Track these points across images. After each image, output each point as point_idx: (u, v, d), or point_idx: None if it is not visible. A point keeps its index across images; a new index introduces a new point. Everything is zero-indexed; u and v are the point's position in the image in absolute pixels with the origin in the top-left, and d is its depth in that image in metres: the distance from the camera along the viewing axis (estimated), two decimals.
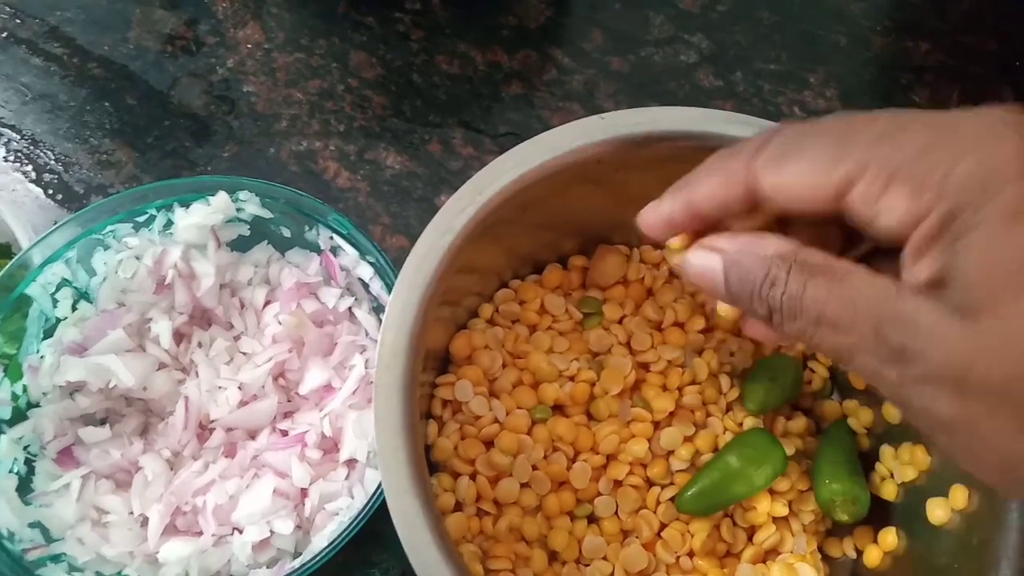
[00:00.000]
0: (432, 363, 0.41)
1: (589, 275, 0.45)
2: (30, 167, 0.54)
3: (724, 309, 0.30)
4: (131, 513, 0.40)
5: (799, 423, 0.42)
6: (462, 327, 0.43)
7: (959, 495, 0.34)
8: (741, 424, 0.41)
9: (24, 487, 0.39)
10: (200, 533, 0.39)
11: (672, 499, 0.39)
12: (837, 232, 0.28)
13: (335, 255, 0.43)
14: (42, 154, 0.54)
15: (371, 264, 0.42)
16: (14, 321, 0.41)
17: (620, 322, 0.44)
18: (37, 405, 0.40)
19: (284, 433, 0.41)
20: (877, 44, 0.62)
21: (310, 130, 0.56)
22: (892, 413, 0.40)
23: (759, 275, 0.25)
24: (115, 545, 0.38)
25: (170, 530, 0.39)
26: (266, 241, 0.45)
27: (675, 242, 0.30)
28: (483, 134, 0.56)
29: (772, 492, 0.40)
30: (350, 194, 0.54)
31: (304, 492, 0.40)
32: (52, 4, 0.59)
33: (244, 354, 0.43)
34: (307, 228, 0.43)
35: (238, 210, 0.43)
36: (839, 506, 0.38)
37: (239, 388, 0.41)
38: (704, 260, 0.28)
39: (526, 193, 0.38)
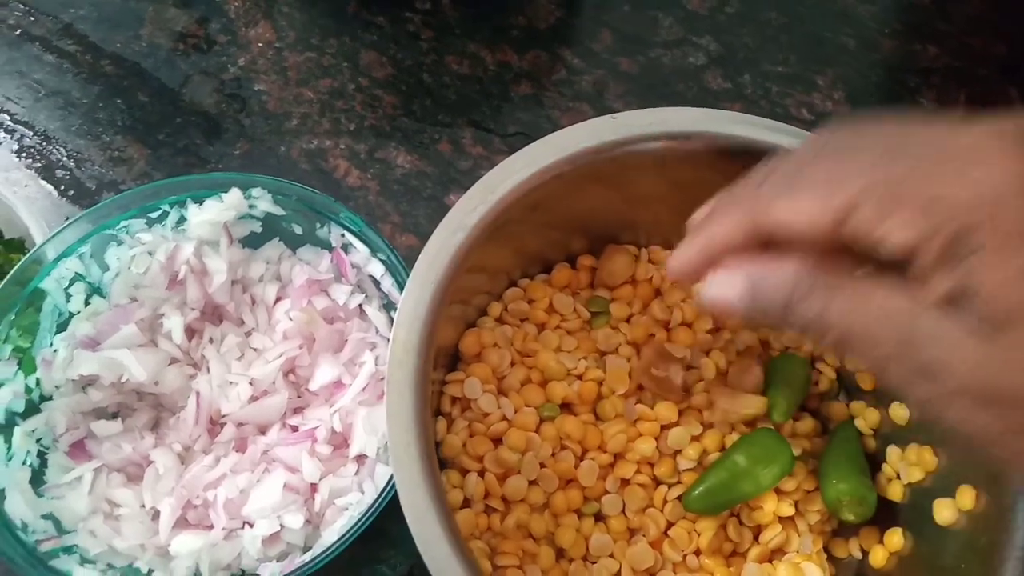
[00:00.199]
0: (442, 361, 0.41)
1: (597, 275, 0.45)
2: (42, 163, 0.54)
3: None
4: (142, 506, 0.40)
5: (806, 424, 0.42)
6: (471, 325, 0.43)
7: (966, 496, 0.34)
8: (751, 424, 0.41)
9: (37, 479, 0.39)
10: (211, 527, 0.39)
11: (679, 498, 0.40)
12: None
13: (346, 252, 0.44)
14: (54, 150, 0.55)
15: (382, 261, 0.42)
16: (28, 315, 0.41)
17: (628, 321, 0.44)
18: (50, 398, 0.41)
19: (294, 429, 0.41)
20: (885, 46, 0.62)
21: (321, 129, 0.56)
22: (899, 414, 0.40)
23: (785, 293, 0.26)
24: (127, 538, 0.39)
25: (181, 523, 0.40)
26: (278, 238, 0.45)
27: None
28: (493, 134, 0.57)
29: (779, 492, 0.40)
30: (360, 193, 0.54)
31: (314, 487, 0.40)
32: (65, 2, 0.60)
33: (255, 350, 0.44)
34: (319, 225, 0.44)
35: (250, 207, 0.43)
36: (846, 506, 0.38)
37: (250, 384, 0.42)
38: (725, 284, 0.28)
39: (536, 193, 0.38)
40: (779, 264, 0.26)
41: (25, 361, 0.41)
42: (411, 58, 0.59)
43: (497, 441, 0.40)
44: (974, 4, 0.64)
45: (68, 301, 0.42)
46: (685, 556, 0.39)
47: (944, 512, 0.35)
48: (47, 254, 0.41)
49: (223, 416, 0.42)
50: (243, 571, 0.39)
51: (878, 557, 0.38)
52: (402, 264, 0.41)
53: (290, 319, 0.43)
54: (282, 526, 0.39)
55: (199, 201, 0.43)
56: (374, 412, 0.40)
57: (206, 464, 0.40)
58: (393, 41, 0.60)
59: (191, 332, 0.43)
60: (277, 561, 0.38)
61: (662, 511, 0.40)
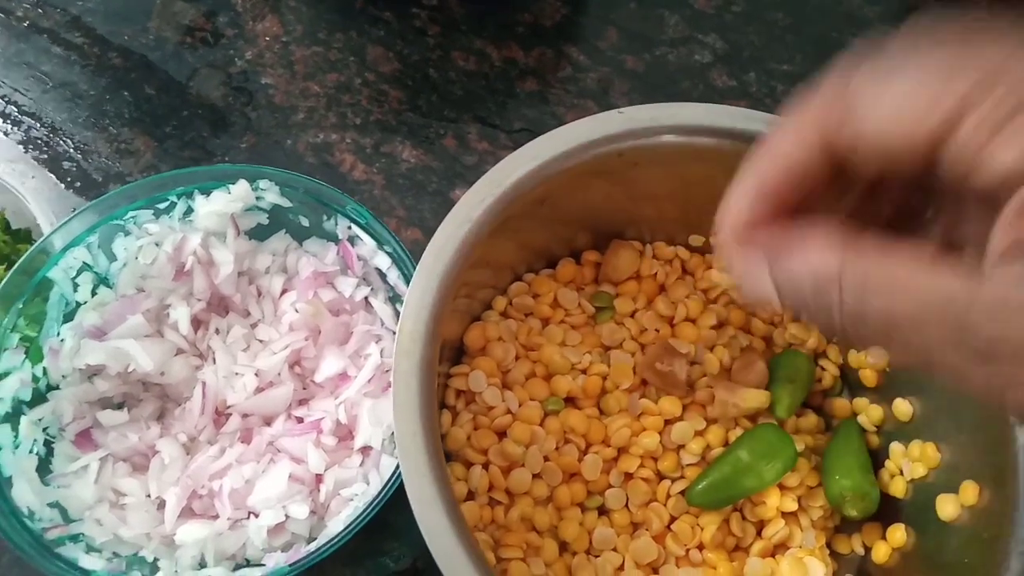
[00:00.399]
0: (447, 354, 0.41)
1: (602, 270, 0.46)
2: (49, 155, 0.54)
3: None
4: (148, 496, 0.40)
5: (809, 420, 0.43)
6: (476, 319, 0.43)
7: (969, 491, 0.35)
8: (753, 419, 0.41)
9: (43, 468, 0.40)
10: (216, 516, 0.39)
11: (682, 492, 0.40)
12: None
13: (352, 245, 0.44)
14: (62, 142, 0.55)
15: (388, 254, 0.42)
16: (35, 304, 0.41)
17: (632, 316, 0.44)
18: (57, 388, 0.41)
19: (300, 420, 0.42)
20: None
21: (327, 123, 0.56)
22: (902, 411, 0.40)
23: (809, 293, 0.22)
24: (132, 527, 0.39)
25: (186, 513, 0.40)
26: (284, 230, 0.46)
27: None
28: (498, 129, 0.57)
29: (782, 487, 0.40)
30: (366, 187, 0.54)
31: (319, 478, 0.40)
32: None
33: (261, 341, 0.44)
34: (325, 218, 0.44)
35: (258, 199, 0.43)
36: (849, 501, 0.39)
37: (256, 375, 0.42)
38: (760, 280, 0.23)
39: (543, 187, 0.38)
40: (804, 247, 0.22)
41: (32, 350, 0.41)
42: (417, 53, 0.59)
43: (501, 434, 0.40)
44: (980, 7, 0.64)
45: (75, 291, 0.42)
46: (688, 550, 0.39)
47: (947, 507, 0.35)
48: (54, 244, 0.41)
49: (229, 407, 0.42)
50: (248, 561, 0.39)
51: (881, 553, 0.38)
52: (408, 257, 0.41)
53: (296, 311, 0.43)
54: (287, 516, 0.39)
55: (206, 192, 0.43)
56: (379, 404, 0.41)
57: (211, 454, 0.40)
58: (400, 36, 0.60)
59: (197, 323, 0.44)
60: (282, 551, 0.38)
61: (665, 505, 0.40)
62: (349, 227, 0.43)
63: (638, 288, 0.45)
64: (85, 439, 0.41)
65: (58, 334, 0.41)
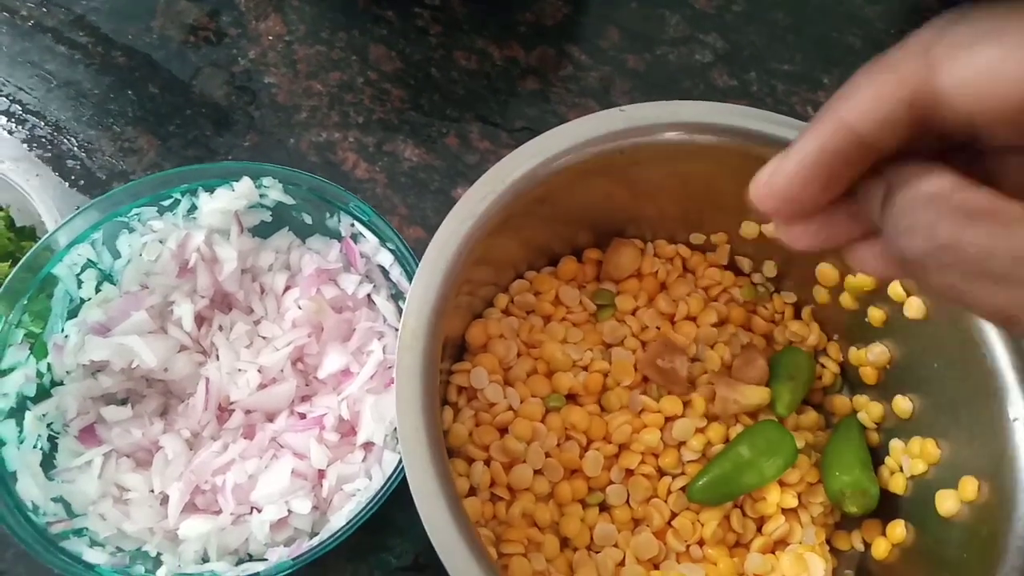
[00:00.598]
0: (449, 351, 0.42)
1: (603, 268, 0.46)
2: (53, 153, 0.55)
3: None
4: (151, 491, 0.40)
5: (810, 417, 0.43)
6: (478, 316, 0.44)
7: (969, 487, 0.35)
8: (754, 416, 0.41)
9: (47, 463, 0.40)
10: (219, 511, 0.40)
11: (683, 489, 0.40)
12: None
13: (355, 242, 0.44)
14: (66, 140, 0.55)
15: (391, 251, 0.43)
16: (40, 301, 0.41)
17: (633, 314, 0.44)
18: (61, 383, 0.41)
19: (302, 416, 0.42)
20: (891, 47, 0.62)
21: (329, 121, 0.56)
22: (902, 407, 0.40)
23: (906, 216, 0.20)
24: (136, 521, 0.39)
25: (190, 508, 0.40)
26: (287, 227, 0.46)
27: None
28: (500, 128, 0.57)
29: (782, 484, 0.40)
30: (368, 185, 0.54)
31: (322, 473, 0.40)
32: None
33: (264, 338, 0.44)
34: (328, 215, 0.44)
35: (261, 196, 0.44)
36: (849, 498, 0.39)
37: (259, 371, 0.42)
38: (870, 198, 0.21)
39: (544, 184, 0.39)
40: (920, 173, 0.20)
41: (37, 346, 0.41)
42: (420, 53, 0.60)
43: (503, 431, 0.40)
44: (980, 7, 0.64)
45: (80, 287, 0.42)
46: (689, 546, 0.40)
47: (946, 503, 0.36)
48: (59, 241, 0.42)
49: (232, 403, 0.42)
50: (250, 555, 0.40)
51: (880, 549, 0.39)
52: (411, 254, 0.42)
53: (299, 308, 0.44)
54: (290, 511, 0.39)
55: (210, 190, 0.43)
56: (382, 400, 0.41)
57: (214, 450, 0.41)
58: (402, 36, 0.60)
59: (201, 320, 0.44)
60: (284, 546, 0.39)
61: (666, 501, 0.40)
62: (352, 224, 0.44)
63: (639, 286, 0.45)
64: (89, 435, 0.41)
65: (62, 330, 0.42)
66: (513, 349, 0.42)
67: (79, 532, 0.38)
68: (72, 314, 0.42)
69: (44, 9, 0.60)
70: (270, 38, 0.60)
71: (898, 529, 0.38)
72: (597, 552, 0.39)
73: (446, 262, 0.35)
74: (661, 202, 0.44)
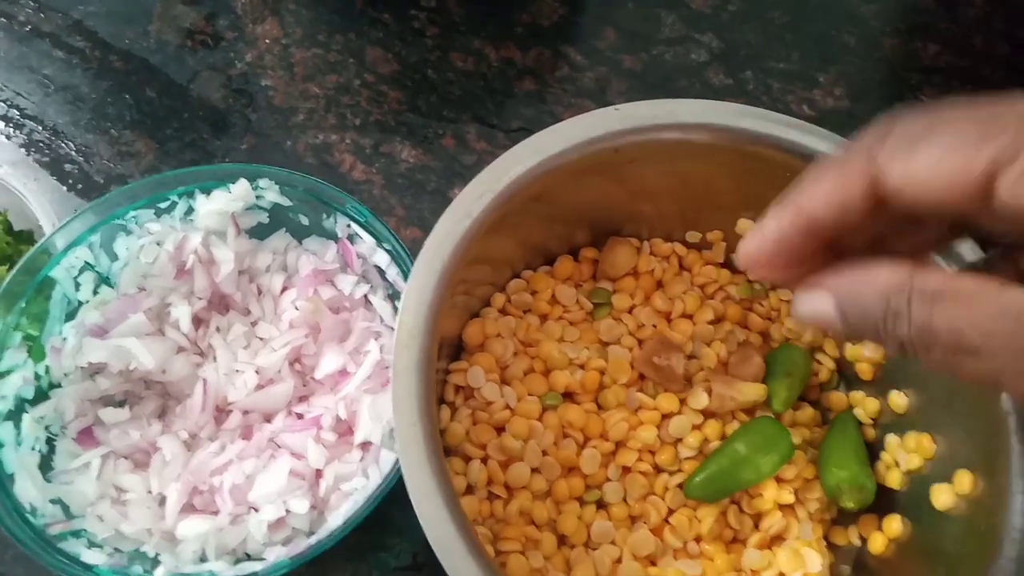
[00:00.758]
0: (446, 350, 0.42)
1: (600, 267, 0.46)
2: (51, 157, 0.55)
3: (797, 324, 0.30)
4: (149, 492, 0.40)
5: (806, 413, 0.43)
6: (475, 316, 0.44)
7: (964, 481, 0.35)
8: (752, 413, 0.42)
9: (45, 465, 0.40)
10: (217, 512, 0.40)
11: (680, 485, 0.40)
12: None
13: (352, 243, 0.44)
14: (63, 144, 0.56)
15: (387, 251, 0.43)
16: (37, 303, 0.42)
17: (630, 312, 0.45)
18: (59, 385, 0.41)
19: (300, 416, 0.42)
20: (887, 45, 0.62)
21: (326, 124, 0.57)
22: (897, 403, 0.40)
23: (878, 311, 0.23)
24: (134, 522, 0.39)
25: (187, 508, 0.40)
26: (284, 229, 0.46)
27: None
28: (496, 129, 0.57)
29: (779, 480, 0.40)
30: (365, 186, 0.55)
31: (319, 473, 0.40)
32: None
33: (261, 339, 0.44)
34: (325, 216, 0.44)
35: (258, 198, 0.44)
36: (845, 493, 0.39)
37: (256, 372, 0.42)
38: (814, 303, 0.25)
39: (541, 182, 0.39)
40: (869, 272, 0.23)
41: (35, 348, 0.41)
42: (416, 55, 0.60)
43: (500, 429, 0.40)
44: (977, 4, 0.64)
45: (77, 290, 0.43)
46: (686, 543, 0.39)
47: (942, 497, 0.36)
48: (56, 244, 0.42)
49: (229, 404, 0.42)
50: (248, 555, 0.40)
51: (877, 544, 0.39)
52: (407, 254, 0.42)
53: (296, 309, 0.44)
54: (287, 511, 0.39)
55: (207, 192, 0.44)
56: (379, 400, 0.41)
57: (212, 451, 0.41)
58: (399, 38, 0.60)
59: (198, 321, 0.44)
60: (282, 545, 0.39)
61: (663, 498, 0.40)
62: (348, 225, 0.44)
63: (635, 284, 0.45)
64: (87, 436, 0.41)
65: (60, 333, 0.42)
66: (510, 348, 0.42)
67: (77, 533, 0.38)
68: (70, 316, 0.42)
69: (41, 14, 0.60)
70: (267, 41, 0.60)
71: (894, 524, 0.38)
72: (594, 549, 0.39)
73: (442, 261, 0.36)
74: (657, 200, 0.44)
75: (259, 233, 0.46)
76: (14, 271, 0.41)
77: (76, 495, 0.40)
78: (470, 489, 0.39)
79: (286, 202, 0.44)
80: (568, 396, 0.42)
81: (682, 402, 0.41)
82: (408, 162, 0.56)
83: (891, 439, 0.40)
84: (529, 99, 0.58)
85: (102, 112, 0.57)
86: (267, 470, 0.40)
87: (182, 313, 0.43)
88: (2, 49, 0.58)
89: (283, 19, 0.61)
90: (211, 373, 0.42)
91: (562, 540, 0.40)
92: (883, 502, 0.39)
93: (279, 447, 0.41)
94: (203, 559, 0.39)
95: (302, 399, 0.43)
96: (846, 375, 0.44)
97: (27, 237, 0.50)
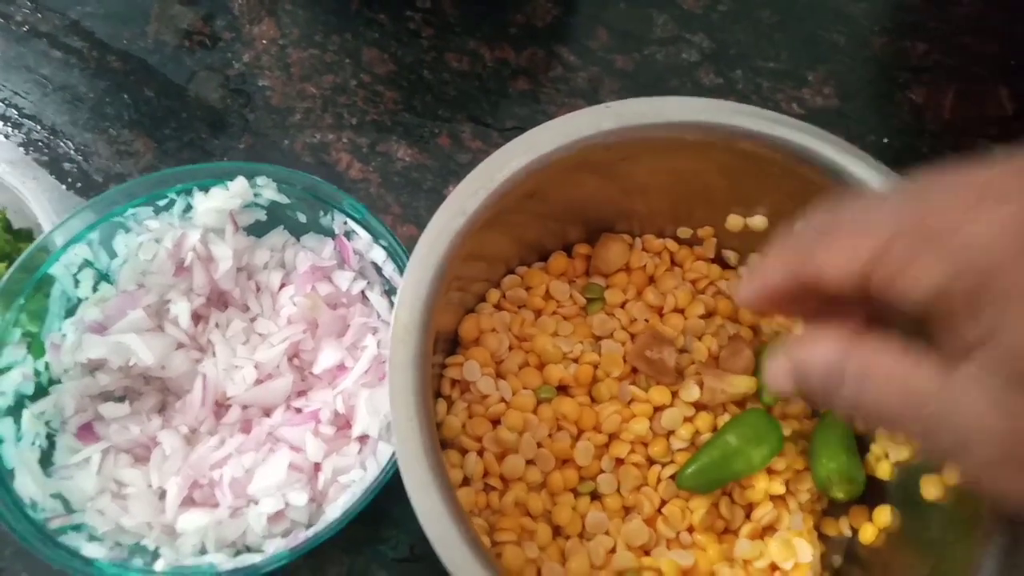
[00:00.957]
0: (442, 345, 0.42)
1: (593, 263, 0.47)
2: (50, 157, 0.55)
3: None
4: (149, 486, 0.41)
5: (796, 405, 0.43)
6: (470, 311, 0.44)
7: (952, 471, 0.35)
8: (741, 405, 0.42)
9: (45, 460, 0.40)
10: (217, 505, 0.40)
11: (672, 477, 0.41)
12: None
13: (349, 239, 0.45)
14: (62, 144, 0.56)
15: (384, 248, 0.43)
16: (37, 300, 0.42)
17: (622, 307, 0.45)
18: (59, 382, 0.42)
19: (298, 411, 0.42)
20: (876, 44, 0.63)
21: (323, 123, 0.57)
22: None
23: (819, 386, 0.25)
24: (134, 516, 0.40)
25: (187, 502, 0.41)
26: (282, 226, 0.46)
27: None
28: (491, 128, 0.58)
29: (769, 471, 0.41)
30: (362, 185, 0.55)
31: (317, 466, 0.41)
32: None
33: (260, 335, 0.45)
34: (322, 213, 0.45)
35: (256, 195, 0.44)
36: (835, 483, 0.39)
37: (255, 367, 0.43)
38: (776, 376, 0.28)
39: (534, 179, 0.39)
40: (815, 343, 0.25)
41: (34, 345, 0.42)
42: (412, 55, 0.60)
43: (496, 422, 0.41)
44: (966, 3, 0.65)
45: (77, 287, 0.43)
46: (678, 533, 0.40)
47: (931, 488, 0.36)
48: (55, 241, 0.42)
49: (229, 399, 0.43)
50: (248, 547, 0.40)
51: (867, 534, 0.39)
52: (404, 250, 0.42)
53: (294, 305, 0.44)
54: (286, 504, 0.39)
55: (205, 189, 0.44)
56: (376, 394, 0.41)
57: (212, 445, 0.41)
58: (394, 38, 0.61)
59: (197, 317, 0.44)
60: (282, 537, 0.39)
61: (656, 489, 0.41)
62: (345, 222, 0.44)
63: (628, 280, 0.46)
64: (87, 431, 0.42)
65: (60, 329, 0.42)
66: (505, 343, 0.43)
67: (77, 527, 0.39)
68: (70, 313, 0.43)
69: (39, 15, 0.61)
70: (264, 42, 0.60)
71: (884, 514, 0.39)
72: (589, 540, 0.40)
73: (437, 257, 0.36)
74: (649, 197, 0.45)
75: (257, 230, 0.46)
76: (13, 268, 0.41)
77: (76, 490, 0.40)
78: (466, 481, 0.40)
79: (284, 200, 0.45)
80: (562, 389, 0.43)
81: (674, 395, 0.42)
82: (404, 161, 0.56)
83: (881, 431, 0.41)
84: (523, 99, 0.59)
85: (100, 112, 0.57)
86: (266, 463, 0.41)
87: (181, 309, 0.43)
88: (0, 49, 0.59)
89: (280, 20, 0.61)
90: (210, 368, 0.43)
91: (557, 531, 0.40)
92: (873, 493, 0.40)
93: (278, 441, 0.41)
94: (203, 552, 0.39)
95: (300, 394, 0.44)
96: None
97: (26, 235, 0.51)
